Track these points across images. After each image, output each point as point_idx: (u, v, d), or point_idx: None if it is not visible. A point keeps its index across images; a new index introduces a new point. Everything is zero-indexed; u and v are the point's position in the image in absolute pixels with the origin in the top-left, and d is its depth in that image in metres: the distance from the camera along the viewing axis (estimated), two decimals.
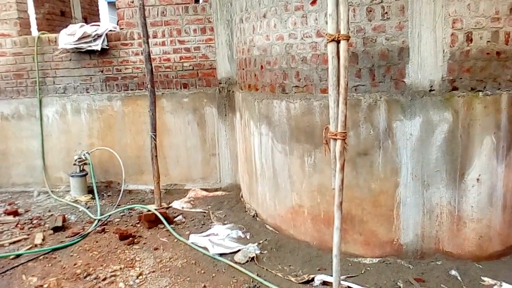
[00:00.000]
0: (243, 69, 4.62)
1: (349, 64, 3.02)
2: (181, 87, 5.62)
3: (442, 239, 3.49)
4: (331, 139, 2.81)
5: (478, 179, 3.37)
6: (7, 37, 5.78)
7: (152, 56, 4.90)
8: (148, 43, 4.62)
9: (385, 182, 3.49)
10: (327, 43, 2.76)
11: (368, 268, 3.44)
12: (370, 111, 3.44)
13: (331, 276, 2.91)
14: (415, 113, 3.34)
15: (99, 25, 5.65)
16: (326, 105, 3.47)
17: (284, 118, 3.93)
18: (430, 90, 3.30)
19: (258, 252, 3.78)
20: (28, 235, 4.41)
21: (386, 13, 3.30)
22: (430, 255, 3.52)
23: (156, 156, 4.77)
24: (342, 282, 3.10)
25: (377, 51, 3.37)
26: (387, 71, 3.37)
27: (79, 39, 5.40)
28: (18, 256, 3.93)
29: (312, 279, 3.30)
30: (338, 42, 2.73)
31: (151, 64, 4.67)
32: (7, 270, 3.66)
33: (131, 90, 5.69)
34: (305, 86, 3.74)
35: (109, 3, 15.80)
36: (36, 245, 4.14)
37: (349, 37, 2.74)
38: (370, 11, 3.34)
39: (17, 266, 3.73)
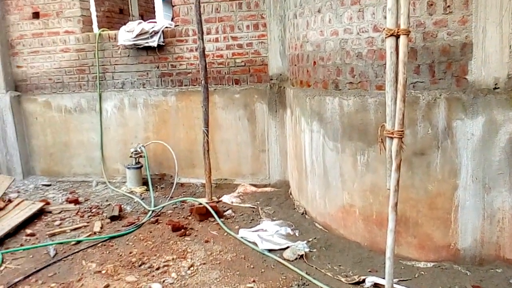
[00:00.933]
0: (295, 65, 4.59)
1: (407, 60, 2.92)
2: (232, 83, 5.68)
3: (503, 246, 3.29)
4: (387, 138, 2.73)
5: None
6: (71, 34, 6.11)
7: (205, 53, 4.99)
8: (202, 39, 4.70)
9: (442, 183, 3.34)
10: (385, 37, 2.68)
11: (422, 273, 3.32)
12: (428, 109, 3.30)
13: (383, 278, 2.84)
14: (477, 112, 3.17)
15: (156, 22, 5.82)
16: (381, 102, 3.38)
17: (336, 115, 3.87)
18: (495, 88, 3.12)
19: (307, 250, 3.76)
20: (87, 222, 4.66)
21: (449, 6, 3.14)
22: (489, 262, 3.33)
23: (208, 151, 4.86)
24: (394, 285, 3.01)
25: (437, 47, 3.22)
26: (448, 67, 3.22)
27: (137, 35, 5.60)
28: (78, 242, 4.16)
29: (363, 281, 3.24)
30: (397, 37, 2.65)
31: (205, 61, 4.75)
32: (69, 255, 3.88)
33: (185, 85, 5.83)
34: (359, 82, 3.65)
35: (163, 0, 16.23)
36: (95, 233, 4.36)
37: (409, 31, 2.64)
38: (432, 4, 3.20)
39: (77, 252, 3.95)
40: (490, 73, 3.12)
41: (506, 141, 3.14)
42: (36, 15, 6.15)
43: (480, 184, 3.26)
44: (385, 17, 2.67)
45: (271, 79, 5.55)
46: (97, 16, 8.01)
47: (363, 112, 3.63)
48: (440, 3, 3.17)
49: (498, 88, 3.12)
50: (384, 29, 2.69)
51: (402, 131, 2.67)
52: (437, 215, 3.39)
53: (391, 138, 2.70)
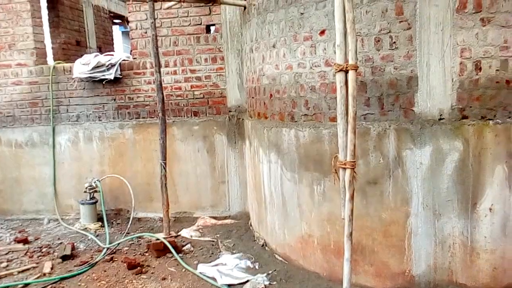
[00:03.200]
0: (253, 97, 4.67)
1: (357, 93, 3.04)
2: (191, 115, 5.68)
3: (455, 271, 3.39)
4: (340, 168, 2.80)
5: (490, 209, 3.29)
6: (23, 67, 5.95)
7: (163, 85, 4.99)
8: (160, 72, 4.70)
9: (396, 211, 3.44)
10: (335, 72, 2.80)
11: None
12: (379, 139, 3.42)
13: None
14: (425, 142, 3.32)
15: (113, 55, 5.79)
16: (335, 133, 3.46)
17: (293, 146, 3.93)
18: (440, 119, 3.29)
19: (267, 283, 3.71)
20: (37, 263, 4.40)
21: (395, 42, 3.33)
22: (443, 287, 3.42)
23: (165, 184, 4.78)
24: None
25: (386, 80, 3.38)
26: (396, 100, 3.38)
27: (93, 68, 5.53)
28: (26, 285, 3.92)
29: None
30: (346, 72, 2.77)
31: (162, 93, 4.74)
32: None
33: (143, 118, 5.76)
34: (314, 114, 3.75)
35: (123, 32, 16.21)
36: (44, 274, 4.12)
37: (357, 67, 2.77)
38: (378, 41, 3.37)
39: None
40: (435, 105, 3.30)
41: (452, 169, 3.29)
42: None
43: (431, 211, 3.37)
44: (335, 52, 2.78)
45: (230, 111, 5.60)
46: (52, 48, 7.86)
47: (318, 143, 3.72)
48: (386, 39, 3.35)
49: (443, 118, 3.29)
50: (334, 64, 2.80)
51: (354, 161, 2.76)
52: (392, 242, 3.47)
53: (344, 168, 2.78)
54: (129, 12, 5.65)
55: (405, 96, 3.35)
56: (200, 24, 5.48)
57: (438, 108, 3.29)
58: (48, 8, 7.74)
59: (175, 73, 5.63)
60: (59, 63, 6.04)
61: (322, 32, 3.60)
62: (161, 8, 5.34)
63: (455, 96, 3.25)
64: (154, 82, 5.24)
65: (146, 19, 5.45)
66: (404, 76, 3.33)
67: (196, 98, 5.65)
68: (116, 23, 11.65)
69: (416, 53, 3.29)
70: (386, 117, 3.42)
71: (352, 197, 2.77)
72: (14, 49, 5.92)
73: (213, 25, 5.49)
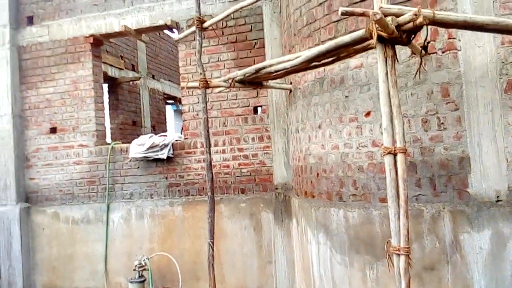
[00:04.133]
0: (299, 176, 4.70)
1: (408, 174, 3.00)
2: (239, 192, 5.76)
3: None
4: (394, 254, 2.69)
5: None
6: (84, 147, 6.39)
7: (212, 163, 5.15)
8: (210, 153, 4.87)
9: None
10: (383, 155, 2.80)
11: None
12: (433, 222, 3.29)
13: None
14: (483, 225, 3.15)
15: (166, 135, 6.12)
16: (386, 214, 3.38)
17: (342, 227, 3.85)
18: (497, 201, 3.14)
19: None
20: None
21: (442, 123, 3.32)
22: None
23: (213, 264, 4.75)
24: None
25: (436, 161, 3.33)
26: (448, 180, 3.29)
27: (148, 148, 5.86)
28: None
29: None
30: (395, 154, 2.76)
31: (212, 173, 4.88)
32: None
33: (192, 195, 5.91)
34: (363, 194, 3.70)
35: (175, 110, 17.18)
36: None
37: (406, 150, 2.76)
38: (426, 121, 3.38)
39: None
40: (490, 186, 3.17)
41: None
42: (53, 130, 6.51)
43: None
44: (382, 133, 2.80)
45: (277, 188, 5.64)
46: (111, 128, 8.46)
47: (369, 225, 3.62)
48: (434, 120, 3.35)
49: (501, 200, 3.14)
50: (382, 145, 2.81)
51: (408, 247, 2.64)
52: None
53: (398, 254, 2.67)
54: (182, 96, 6.05)
55: (457, 177, 3.26)
56: (248, 105, 5.75)
57: (494, 189, 3.15)
58: (109, 92, 8.46)
59: (223, 152, 5.83)
60: (116, 143, 6.45)
61: (368, 114, 3.66)
62: (211, 92, 5.68)
63: (511, 177, 3.12)
64: (203, 161, 5.43)
65: (198, 102, 5.80)
66: (455, 157, 3.26)
67: (243, 176, 5.76)
68: (169, 103, 12.42)
69: (466, 134, 3.25)
70: (439, 199, 3.31)
71: (408, 286, 2.62)
72: (77, 131, 6.42)
73: (260, 106, 5.74)
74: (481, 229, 3.15)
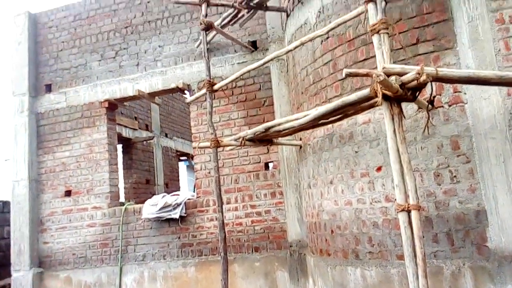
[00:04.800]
0: (313, 232, 4.61)
1: (424, 229, 2.93)
2: (252, 251, 5.64)
3: None
4: None
5: None
6: (98, 210, 6.41)
7: (225, 221, 5.10)
8: (222, 212, 4.84)
9: None
10: (397, 212, 2.75)
11: None
12: (454, 279, 3.16)
13: None
14: (505, 281, 3.02)
15: (178, 194, 6.13)
16: (405, 272, 3.26)
17: (360, 286, 3.71)
18: None
19: None
20: None
21: (455, 176, 3.28)
22: None
23: None
24: None
25: (451, 215, 3.26)
26: (466, 235, 3.19)
27: (161, 208, 5.85)
28: None
29: None
30: (408, 211, 2.71)
31: (224, 232, 4.82)
32: None
33: (205, 255, 5.81)
34: (379, 252, 3.60)
35: (187, 166, 17.30)
36: None
37: (420, 206, 2.71)
38: (438, 175, 3.34)
39: None
40: (510, 240, 3.07)
41: None
42: (68, 193, 6.58)
43: None
44: (394, 188, 2.77)
45: (291, 246, 5.51)
46: (124, 187, 8.53)
47: (388, 284, 3.49)
48: (446, 173, 3.32)
49: None
50: (395, 200, 2.77)
51: None
52: None
53: None
54: (195, 155, 6.12)
55: (475, 231, 3.17)
56: (259, 162, 5.78)
57: None
58: (123, 152, 8.62)
59: (236, 209, 5.79)
60: (130, 204, 6.46)
61: (379, 169, 3.64)
62: (223, 150, 5.74)
63: None
64: (216, 219, 5.38)
65: (210, 160, 5.85)
66: (471, 210, 3.19)
67: (256, 233, 5.67)
68: (182, 160, 12.55)
69: (480, 186, 3.20)
70: (459, 254, 3.20)
71: None
72: (92, 193, 6.47)
73: (271, 162, 5.76)
74: (504, 285, 3.02)
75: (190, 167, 16.33)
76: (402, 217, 2.72)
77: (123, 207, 6.29)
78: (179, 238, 5.95)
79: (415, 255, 2.64)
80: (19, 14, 7.12)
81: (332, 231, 4.13)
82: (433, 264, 3.23)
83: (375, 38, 2.91)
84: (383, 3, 2.88)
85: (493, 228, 3.12)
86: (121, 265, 6.09)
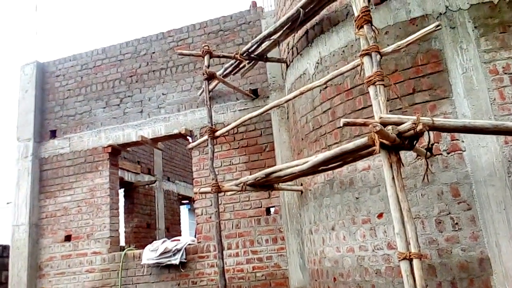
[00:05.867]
0: (316, 280, 4.54)
1: (427, 277, 2.90)
2: None
3: None
4: None
5: None
6: (98, 255, 6.34)
7: (226, 267, 5.03)
8: (222, 258, 4.78)
9: None
10: (399, 261, 2.73)
11: None
12: None
13: None
14: None
15: (179, 240, 6.09)
16: None
17: None
18: None
19: None
20: None
21: (457, 223, 3.28)
22: None
23: None
24: None
25: (455, 263, 3.23)
26: (470, 284, 3.16)
27: (161, 254, 5.79)
28: None
29: None
30: (410, 260, 2.70)
31: (225, 279, 4.74)
32: None
33: None
34: None
35: (189, 209, 17.20)
36: None
37: (421, 255, 2.70)
38: (440, 222, 3.35)
39: None
40: None
41: None
42: (68, 238, 6.54)
43: None
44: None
45: None
46: (125, 231, 8.46)
47: None
48: (447, 220, 3.33)
49: None
50: (397, 252, 2.76)
51: None
52: None
53: None
54: (195, 200, 6.13)
55: (479, 280, 3.13)
56: (261, 207, 5.77)
57: None
58: (125, 196, 8.62)
59: (237, 255, 5.72)
60: (130, 249, 6.40)
61: (380, 215, 3.65)
62: (224, 195, 5.75)
63: None
64: (217, 265, 5.31)
65: (211, 205, 5.84)
66: (474, 258, 3.17)
67: (258, 280, 5.57)
68: (183, 203, 12.50)
69: (482, 234, 3.19)
70: None
71: None
72: (92, 238, 6.42)
73: (273, 207, 5.76)
74: None
75: (192, 211, 16.23)
76: (404, 266, 2.70)
77: (123, 253, 6.22)
78: (178, 285, 5.84)
79: None
80: (27, 64, 7.37)
81: (334, 279, 4.08)
82: None
83: (371, 89, 3.02)
84: (378, 56, 3.01)
85: (497, 277, 3.08)
86: None
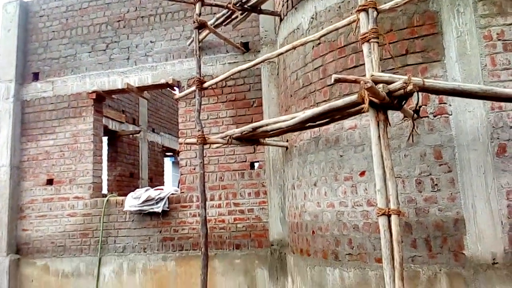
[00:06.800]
0: (295, 232, 4.68)
1: (403, 234, 3.01)
2: (233, 248, 5.69)
3: None
4: None
5: None
6: (80, 200, 6.37)
7: (207, 217, 5.13)
8: (205, 208, 4.86)
9: None
10: (377, 216, 2.82)
11: None
12: (430, 284, 3.26)
13: None
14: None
15: (162, 189, 6.13)
16: (383, 275, 3.33)
17: (338, 287, 3.79)
18: (494, 263, 3.13)
19: None
20: None
21: (436, 184, 3.38)
22: None
23: None
24: None
25: (431, 222, 3.35)
26: (444, 242, 3.29)
27: (143, 202, 5.85)
28: None
29: None
30: (389, 216, 2.79)
31: (206, 228, 4.84)
32: None
33: (186, 250, 5.83)
34: (358, 254, 3.68)
35: (173, 162, 17.24)
36: None
37: (400, 211, 2.79)
38: (420, 182, 3.44)
39: None
40: (486, 248, 3.18)
41: None
42: (50, 182, 6.53)
43: None
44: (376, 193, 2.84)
45: (272, 245, 5.57)
46: (108, 179, 8.47)
47: (365, 285, 3.57)
48: (427, 181, 3.42)
49: (497, 263, 3.13)
50: (376, 204, 2.85)
51: None
52: None
53: None
54: (180, 151, 6.14)
55: (453, 239, 3.27)
56: (245, 161, 5.82)
57: (490, 251, 3.16)
58: (109, 144, 8.56)
59: (219, 206, 5.82)
60: (112, 195, 6.44)
61: (362, 173, 3.73)
62: (209, 147, 5.75)
63: (507, 239, 3.13)
64: (199, 215, 5.40)
65: (196, 157, 5.86)
66: (450, 218, 3.29)
67: (238, 231, 5.71)
68: (167, 155, 12.50)
69: (460, 195, 3.30)
70: (436, 260, 3.30)
71: None
72: (74, 183, 6.42)
73: (257, 162, 5.82)
74: None
75: (176, 163, 16.28)
76: (382, 221, 2.79)
77: (106, 199, 6.26)
78: (160, 232, 5.96)
79: (393, 259, 2.72)
80: (10, 2, 7.05)
81: (313, 232, 4.20)
82: (410, 268, 3.32)
83: (365, 47, 2.99)
84: (375, 13, 2.95)
85: (470, 237, 3.22)
86: (100, 255, 6.06)
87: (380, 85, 2.71)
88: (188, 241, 5.85)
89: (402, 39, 3.70)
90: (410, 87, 2.62)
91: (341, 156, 3.92)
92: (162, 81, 6.25)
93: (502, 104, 3.25)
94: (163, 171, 10.80)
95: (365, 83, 2.52)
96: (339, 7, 4.08)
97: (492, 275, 3.11)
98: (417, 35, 3.64)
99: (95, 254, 6.11)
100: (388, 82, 2.74)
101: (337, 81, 2.80)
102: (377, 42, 2.95)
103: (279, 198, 5.60)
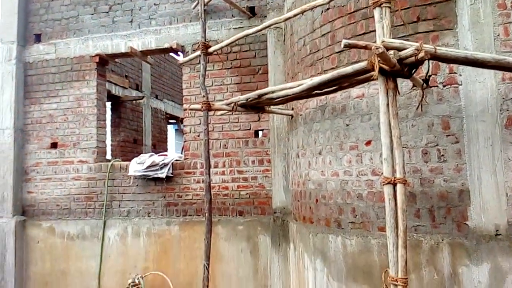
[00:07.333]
0: (298, 200, 4.71)
1: (407, 204, 3.01)
2: (236, 215, 5.75)
3: None
4: (392, 284, 2.68)
5: None
6: (84, 163, 6.40)
7: (211, 185, 5.16)
8: (209, 174, 4.88)
9: None
10: (383, 185, 2.81)
11: None
12: (432, 253, 3.29)
13: None
14: (481, 258, 3.15)
15: (166, 155, 6.15)
16: (385, 244, 3.37)
17: (340, 254, 3.84)
18: (497, 235, 3.15)
19: None
20: None
21: (443, 155, 3.35)
22: None
23: (207, 286, 4.70)
24: None
25: (435, 192, 3.35)
26: (447, 212, 3.30)
27: (148, 167, 5.87)
28: None
29: None
30: (394, 185, 2.78)
31: (210, 194, 4.88)
32: None
33: (189, 215, 5.90)
34: (361, 222, 3.71)
35: (176, 130, 17.24)
36: None
37: (406, 180, 2.78)
38: (426, 153, 3.41)
39: None
40: (490, 220, 3.18)
41: None
42: (54, 145, 6.54)
43: None
44: (382, 162, 2.83)
45: (275, 212, 5.62)
46: (111, 145, 8.49)
47: (367, 253, 3.61)
48: (434, 152, 3.39)
49: (500, 234, 3.15)
50: (381, 174, 2.83)
51: (406, 278, 2.64)
52: None
53: (396, 285, 2.66)
54: (184, 117, 6.10)
55: (457, 209, 3.28)
56: (249, 129, 5.79)
57: (494, 223, 3.17)
58: (112, 110, 8.52)
59: (223, 173, 5.84)
60: (116, 160, 6.46)
61: (368, 143, 3.70)
62: (213, 114, 5.72)
63: (511, 212, 3.13)
64: (203, 181, 5.44)
65: (200, 124, 5.84)
66: (455, 189, 3.29)
67: (242, 198, 5.76)
68: (171, 123, 12.48)
69: (466, 167, 3.28)
70: (438, 230, 3.31)
71: None
72: (78, 147, 6.43)
73: (262, 130, 5.79)
74: (480, 262, 3.15)
75: (179, 131, 16.26)
76: (387, 190, 2.79)
77: (110, 163, 6.28)
78: (164, 197, 6.01)
79: (396, 227, 2.74)
80: None
81: (316, 200, 4.22)
82: (413, 237, 3.35)
83: (376, 12, 2.89)
84: None
85: (474, 208, 3.22)
86: (105, 219, 6.15)
87: (391, 52, 2.64)
88: (192, 206, 5.91)
89: (414, 5, 3.58)
90: (421, 54, 2.55)
91: (347, 125, 3.88)
92: (166, 45, 6.14)
93: None
94: (166, 138, 10.81)
95: (377, 48, 2.46)
96: None
97: (495, 246, 3.13)
98: (430, 1, 3.52)
99: (100, 218, 6.20)
100: (399, 49, 2.66)
101: (347, 46, 2.72)
102: (389, 7, 2.86)
103: (283, 167, 5.61)
